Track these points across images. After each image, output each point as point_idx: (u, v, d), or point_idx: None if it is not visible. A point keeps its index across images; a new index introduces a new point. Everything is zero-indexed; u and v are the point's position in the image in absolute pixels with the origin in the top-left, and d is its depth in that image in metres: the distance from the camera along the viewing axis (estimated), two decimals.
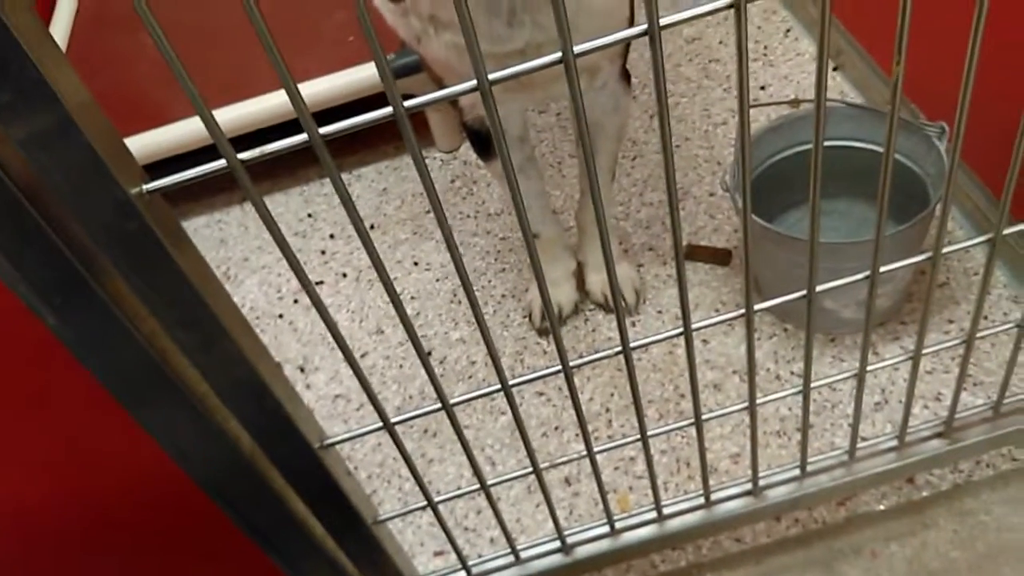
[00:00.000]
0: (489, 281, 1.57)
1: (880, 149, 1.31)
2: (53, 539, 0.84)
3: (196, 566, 0.93)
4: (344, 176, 1.83)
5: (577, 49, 0.54)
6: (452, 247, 0.64)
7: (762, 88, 1.75)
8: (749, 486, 1.05)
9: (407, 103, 0.54)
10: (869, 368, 0.91)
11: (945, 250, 0.82)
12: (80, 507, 0.80)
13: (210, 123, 0.50)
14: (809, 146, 1.34)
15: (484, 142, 1.27)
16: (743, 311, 0.79)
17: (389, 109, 0.54)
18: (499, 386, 0.79)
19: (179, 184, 0.55)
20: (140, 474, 0.77)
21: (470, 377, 1.44)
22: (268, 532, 0.85)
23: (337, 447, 0.83)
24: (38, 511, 0.80)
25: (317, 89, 1.62)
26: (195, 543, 0.89)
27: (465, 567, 1.04)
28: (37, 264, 0.55)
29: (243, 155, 0.54)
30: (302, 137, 0.54)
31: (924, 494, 1.14)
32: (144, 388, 0.67)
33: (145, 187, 0.54)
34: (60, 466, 0.76)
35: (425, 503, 0.91)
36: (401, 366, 1.48)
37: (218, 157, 0.55)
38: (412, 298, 1.57)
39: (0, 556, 0.84)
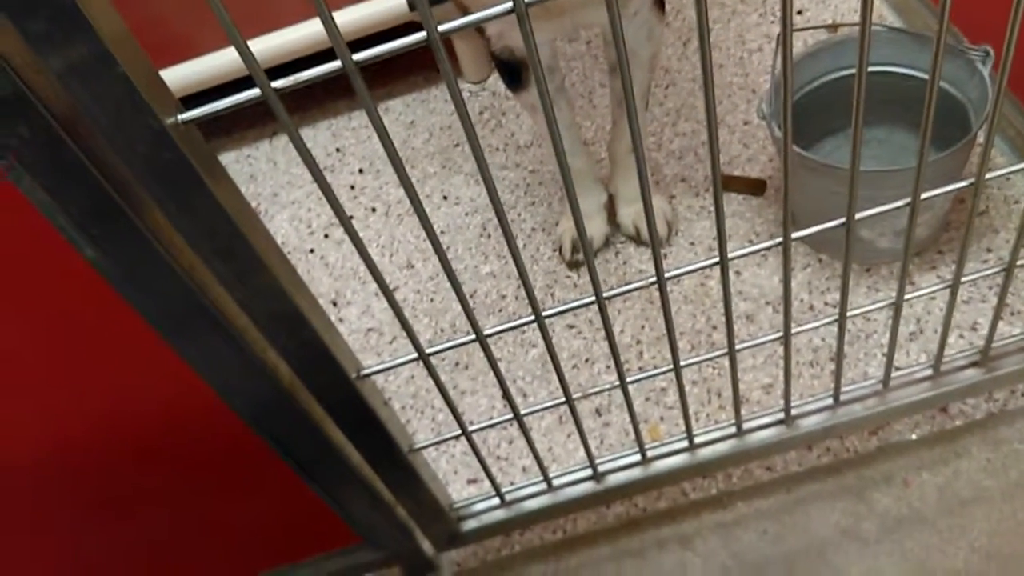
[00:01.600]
0: (519, 215, 1.56)
1: (921, 75, 1.28)
2: (98, 470, 0.86)
3: (237, 495, 0.96)
4: None
5: None
6: (487, 178, 0.64)
7: (799, 12, 1.70)
8: (781, 415, 1.05)
9: (441, 27, 0.53)
10: (906, 297, 0.90)
11: (988, 176, 0.80)
12: (124, 439, 0.82)
13: (244, 51, 0.50)
14: (848, 72, 1.32)
15: (513, 72, 1.25)
16: (779, 240, 0.78)
17: (423, 34, 0.53)
18: (532, 317, 0.79)
19: (214, 114, 0.55)
20: (182, 405, 0.79)
21: (500, 311, 1.44)
22: (308, 461, 0.87)
23: (372, 378, 0.84)
24: (83, 443, 0.82)
25: (345, 20, 1.60)
26: (236, 473, 0.92)
27: (499, 493, 1.06)
28: (75, 195, 0.56)
29: (277, 83, 0.54)
30: (336, 64, 0.53)
31: (957, 423, 1.13)
32: (183, 319, 0.68)
33: (180, 117, 0.54)
34: (103, 398, 0.78)
35: (459, 432, 0.93)
36: (432, 300, 1.49)
37: (249, 89, 0.55)
38: (442, 232, 1.57)
39: (47, 487, 0.87)
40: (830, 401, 1.05)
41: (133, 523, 0.96)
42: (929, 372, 1.05)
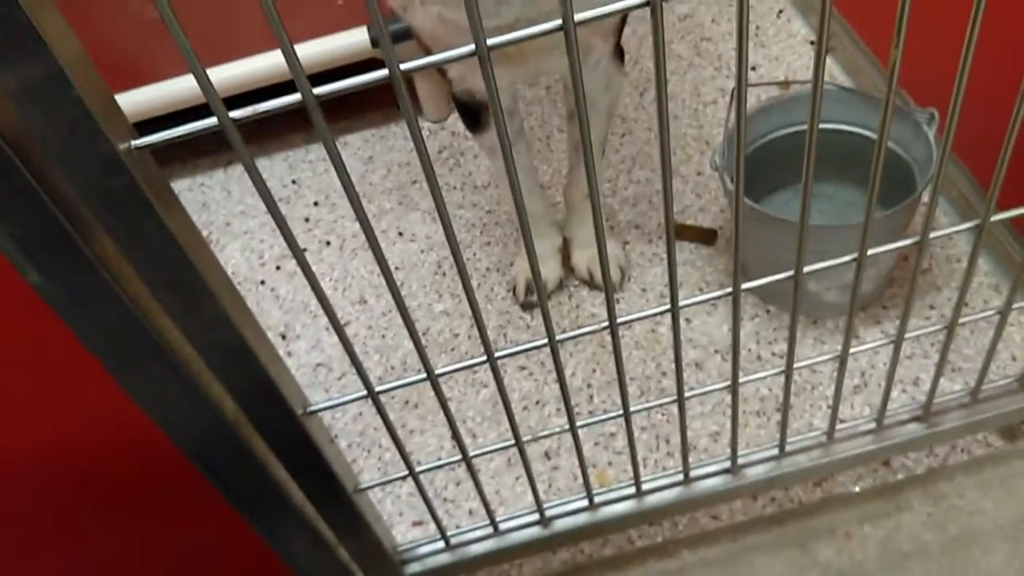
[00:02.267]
0: (475, 254, 1.57)
1: (869, 133, 1.32)
2: (35, 499, 0.83)
3: (176, 528, 0.93)
4: None
5: (578, 17, 0.53)
6: (444, 216, 0.64)
7: (753, 69, 1.75)
8: (728, 464, 1.06)
9: (403, 66, 0.53)
10: (851, 351, 0.92)
11: (932, 235, 0.82)
12: (62, 468, 0.79)
13: (203, 79, 0.50)
14: (798, 128, 1.35)
15: (473, 114, 1.26)
16: (729, 290, 0.79)
17: (385, 71, 0.53)
18: (484, 358, 0.79)
19: (169, 140, 0.54)
20: (123, 436, 0.77)
21: (452, 349, 1.43)
22: (249, 498, 0.85)
23: (319, 415, 0.82)
24: (19, 471, 0.79)
25: (306, 53, 1.60)
26: (176, 506, 0.89)
27: (444, 536, 1.05)
28: (21, 219, 0.54)
29: (235, 113, 0.53)
30: (296, 97, 0.53)
31: (899, 477, 1.15)
32: (127, 349, 0.66)
33: (134, 143, 0.53)
34: (41, 426, 0.75)
35: (406, 472, 0.91)
36: (383, 336, 1.48)
37: (206, 117, 0.54)
38: (396, 268, 1.57)
39: None
40: (776, 451, 1.06)
41: (70, 554, 0.93)
42: (872, 425, 1.06)
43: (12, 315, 0.64)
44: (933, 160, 1.20)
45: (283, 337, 1.51)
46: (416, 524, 1.24)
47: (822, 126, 1.31)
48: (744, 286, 0.79)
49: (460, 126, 1.78)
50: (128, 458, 0.80)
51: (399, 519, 1.25)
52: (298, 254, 0.64)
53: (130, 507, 0.88)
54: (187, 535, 0.94)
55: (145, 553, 0.96)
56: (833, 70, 1.70)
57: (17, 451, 0.77)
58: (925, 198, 1.27)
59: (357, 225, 1.67)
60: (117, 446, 0.78)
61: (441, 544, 1.06)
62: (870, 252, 0.80)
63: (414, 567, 1.07)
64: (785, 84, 1.64)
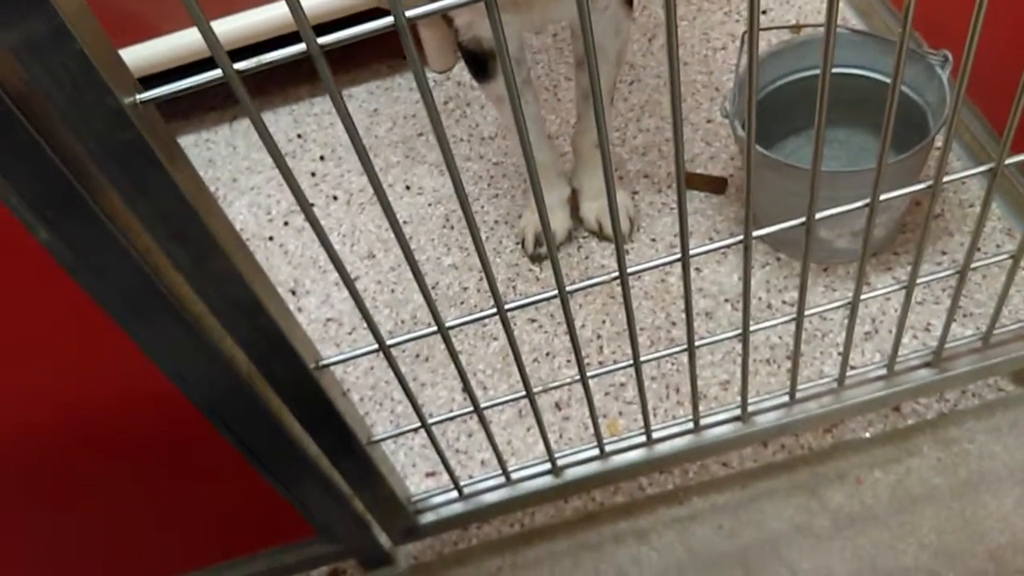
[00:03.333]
0: (482, 207, 1.56)
1: (882, 77, 1.30)
2: (49, 457, 0.84)
3: (192, 485, 0.94)
4: None
5: None
6: (452, 169, 0.63)
7: (763, 12, 1.72)
8: (738, 412, 1.06)
9: (409, 13, 0.52)
10: (862, 298, 0.92)
11: (945, 179, 0.81)
12: (76, 426, 0.80)
13: (207, 31, 0.49)
14: (809, 73, 1.33)
15: (480, 63, 1.25)
16: (740, 238, 0.79)
17: (390, 19, 0.52)
18: (494, 310, 0.79)
19: (174, 94, 0.54)
20: (137, 393, 0.77)
21: (462, 303, 1.43)
22: (264, 451, 0.86)
23: (331, 369, 0.83)
24: (34, 429, 0.80)
25: (310, 3, 1.57)
26: (191, 462, 0.90)
27: (457, 487, 1.06)
28: (29, 176, 0.54)
29: (239, 65, 0.52)
30: (300, 47, 0.52)
31: (910, 422, 1.15)
32: (138, 304, 0.66)
33: (139, 97, 0.53)
34: (55, 384, 0.76)
35: (419, 424, 0.92)
36: (393, 291, 1.48)
37: (211, 70, 0.54)
38: (404, 223, 1.56)
39: (2, 471, 0.85)
40: (786, 399, 1.07)
41: (84, 510, 0.94)
42: (883, 372, 1.06)
43: (23, 273, 0.64)
44: (947, 103, 1.18)
45: (293, 293, 1.51)
46: (429, 475, 1.25)
47: (834, 70, 1.29)
48: (756, 233, 0.78)
49: (466, 76, 1.76)
50: (143, 415, 0.80)
51: (412, 470, 1.26)
52: (307, 210, 0.64)
53: (146, 463, 0.89)
54: (203, 490, 0.96)
55: (161, 508, 0.98)
56: (845, 12, 1.67)
57: (32, 409, 0.78)
58: (938, 142, 1.25)
59: (364, 179, 1.66)
60: (132, 403, 0.79)
61: (454, 494, 1.07)
62: (883, 197, 0.79)
63: (428, 516, 1.08)
64: (797, 28, 1.61)
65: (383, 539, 1.11)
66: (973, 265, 0.92)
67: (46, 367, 0.75)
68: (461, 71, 1.79)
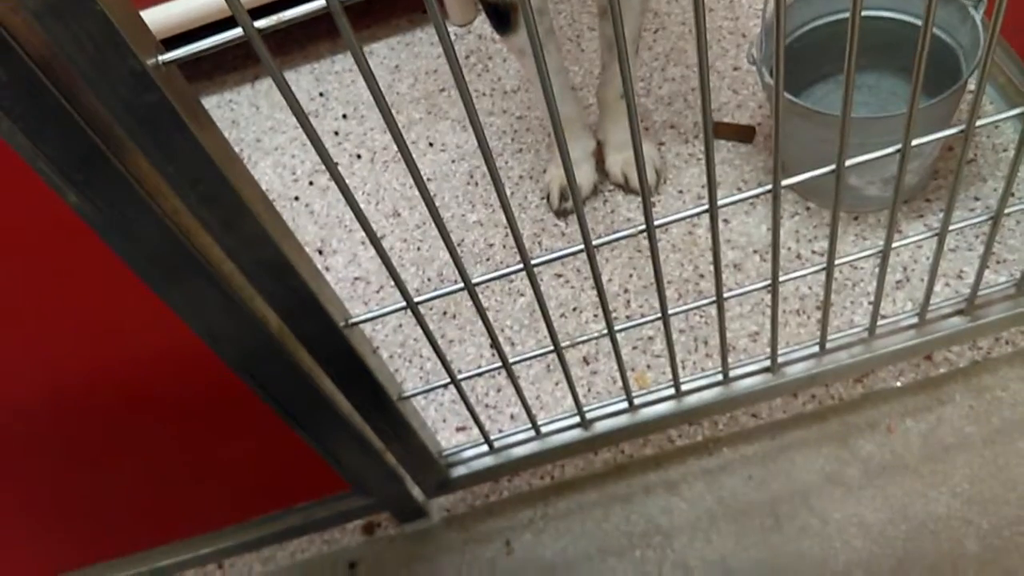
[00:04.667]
0: (506, 162, 1.55)
1: (912, 19, 1.27)
2: (86, 417, 0.86)
3: (228, 442, 0.96)
4: None
5: None
6: (476, 124, 0.63)
7: None
8: (767, 363, 1.06)
9: None
10: (894, 246, 0.90)
11: (978, 123, 0.80)
12: (112, 386, 0.82)
13: None
14: (838, 16, 1.30)
15: (502, 15, 1.23)
16: (769, 188, 0.78)
17: None
18: (521, 266, 0.79)
19: (196, 54, 0.53)
20: (172, 352, 0.78)
21: (487, 259, 1.43)
22: (297, 409, 0.87)
23: (360, 327, 0.83)
24: (71, 390, 0.82)
25: None
26: (227, 420, 0.91)
27: (487, 441, 1.07)
28: (57, 141, 0.54)
29: (259, 23, 0.52)
30: (320, 3, 0.52)
31: (942, 371, 1.14)
32: (168, 266, 0.67)
33: (161, 58, 0.53)
34: (90, 345, 0.77)
35: (448, 380, 0.93)
36: (419, 249, 1.48)
37: (231, 30, 0.53)
38: (428, 180, 1.56)
39: (35, 434, 0.87)
40: (816, 349, 1.06)
41: (123, 469, 0.96)
42: (915, 320, 1.05)
43: (54, 237, 0.65)
44: (980, 45, 1.15)
45: (320, 252, 1.52)
46: (460, 430, 1.26)
47: (863, 13, 1.26)
48: (785, 182, 0.77)
49: (487, 29, 1.74)
50: (178, 375, 0.82)
51: (443, 425, 1.27)
52: (332, 170, 0.64)
53: (183, 422, 0.91)
54: (239, 447, 0.97)
55: (199, 466, 0.99)
56: None
57: (67, 371, 0.79)
58: (971, 85, 1.22)
59: (387, 137, 1.65)
60: (167, 363, 0.80)
61: (485, 448, 1.08)
62: (914, 143, 0.77)
63: (460, 470, 1.10)
64: None
65: (416, 492, 1.13)
66: (1007, 211, 0.90)
67: (80, 329, 0.76)
68: (482, 24, 1.77)
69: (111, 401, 0.84)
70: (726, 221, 1.36)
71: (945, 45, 1.23)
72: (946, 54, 1.23)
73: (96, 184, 0.58)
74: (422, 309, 0.81)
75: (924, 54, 0.69)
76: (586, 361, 1.28)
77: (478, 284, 0.80)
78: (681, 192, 1.42)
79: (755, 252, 1.32)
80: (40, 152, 0.55)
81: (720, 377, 1.07)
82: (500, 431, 1.10)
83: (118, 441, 0.91)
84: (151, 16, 1.58)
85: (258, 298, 0.73)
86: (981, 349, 1.15)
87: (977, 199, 1.29)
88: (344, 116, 1.70)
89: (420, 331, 1.34)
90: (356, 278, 1.47)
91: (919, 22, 1.24)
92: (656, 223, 0.77)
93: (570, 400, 1.04)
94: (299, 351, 0.80)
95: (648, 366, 1.25)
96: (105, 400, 0.84)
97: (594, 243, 0.77)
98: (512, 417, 1.25)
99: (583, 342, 0.96)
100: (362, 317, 0.81)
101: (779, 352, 1.05)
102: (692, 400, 1.08)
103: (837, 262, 0.90)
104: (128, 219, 0.61)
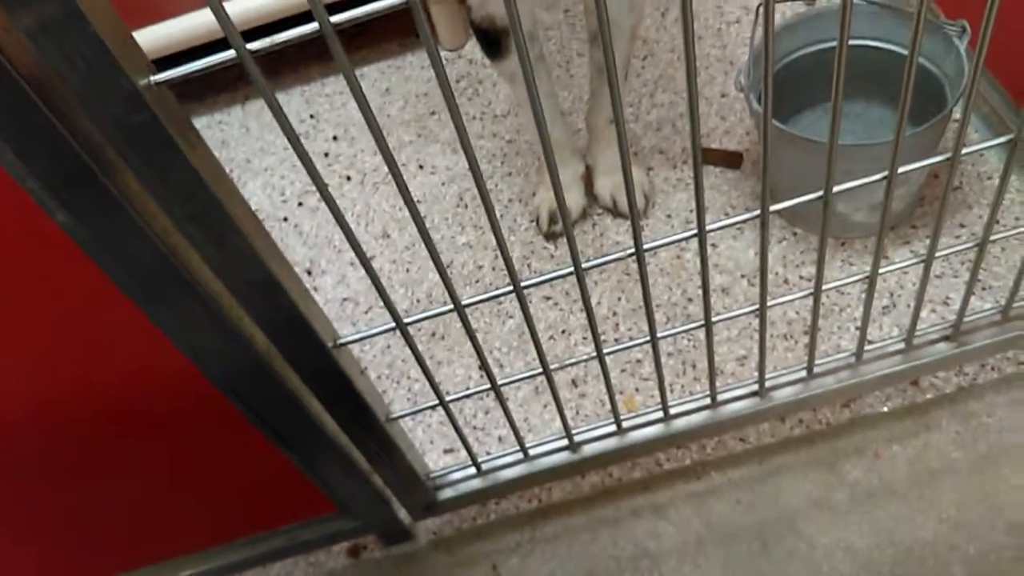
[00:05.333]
0: (496, 185, 1.55)
1: (898, 49, 1.28)
2: (71, 435, 0.85)
3: (213, 462, 0.95)
4: None
5: None
6: (467, 147, 0.63)
7: None
8: (755, 387, 1.06)
9: None
10: (880, 271, 0.91)
11: (964, 151, 0.81)
12: (98, 404, 0.81)
13: (219, 12, 0.49)
14: (825, 46, 1.31)
15: (493, 41, 1.24)
16: (757, 213, 0.78)
17: None
18: (510, 287, 0.79)
19: (188, 75, 0.54)
20: (158, 370, 0.78)
21: (477, 281, 1.44)
22: (284, 430, 0.87)
23: (349, 347, 0.83)
24: (56, 408, 0.81)
25: None
26: (212, 440, 0.91)
27: (475, 463, 1.06)
28: (46, 159, 0.54)
29: (252, 45, 0.52)
30: (313, 26, 0.52)
31: (928, 396, 1.15)
32: (156, 285, 0.67)
33: (153, 78, 0.53)
34: (76, 362, 0.77)
35: (436, 401, 0.93)
36: (408, 270, 1.48)
37: (223, 51, 0.54)
38: (418, 202, 1.55)
39: (20, 452, 0.86)
40: (803, 374, 1.06)
41: (104, 489, 0.96)
42: (901, 346, 1.06)
43: (43, 255, 0.65)
44: (964, 75, 1.17)
45: (309, 273, 1.52)
46: (447, 451, 1.26)
47: (850, 43, 1.28)
48: (773, 207, 0.78)
49: (478, 54, 1.75)
50: (165, 393, 0.81)
51: (430, 447, 1.27)
52: (323, 190, 0.64)
53: (168, 441, 0.90)
54: (225, 467, 0.97)
55: (184, 486, 0.99)
56: None
57: (54, 389, 0.79)
58: (956, 114, 1.24)
59: (377, 159, 1.66)
60: (153, 382, 0.79)
61: (472, 470, 1.08)
62: (901, 170, 0.78)
63: (447, 492, 1.09)
64: (811, 0, 1.59)
65: (403, 515, 1.12)
66: (992, 238, 0.91)
67: (67, 347, 0.75)
68: (473, 49, 1.78)
69: (94, 419, 0.84)
70: (714, 246, 1.36)
71: (930, 74, 1.25)
72: (931, 83, 1.25)
73: (85, 203, 0.58)
74: (411, 330, 0.81)
75: (910, 83, 0.70)
76: (575, 384, 1.28)
77: (467, 306, 0.80)
78: (669, 216, 1.43)
79: (743, 276, 1.33)
80: (30, 171, 0.55)
81: (708, 401, 1.07)
82: (488, 453, 1.10)
83: (100, 460, 0.90)
84: (143, 36, 1.58)
85: (246, 318, 0.73)
86: (967, 375, 1.16)
87: (963, 226, 1.31)
88: (335, 138, 1.70)
89: (409, 352, 1.33)
90: (345, 299, 1.47)
91: (905, 52, 1.26)
92: (645, 247, 0.78)
93: (558, 423, 1.04)
94: (287, 371, 0.79)
95: (636, 389, 1.25)
96: (88, 418, 0.83)
97: (583, 266, 0.78)
98: (500, 439, 1.25)
99: (572, 364, 0.96)
100: (351, 338, 0.81)
101: (767, 376, 1.05)
102: (680, 424, 1.08)
103: (824, 287, 0.91)
104: (116, 238, 0.61)
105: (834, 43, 0.65)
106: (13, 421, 0.81)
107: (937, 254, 0.91)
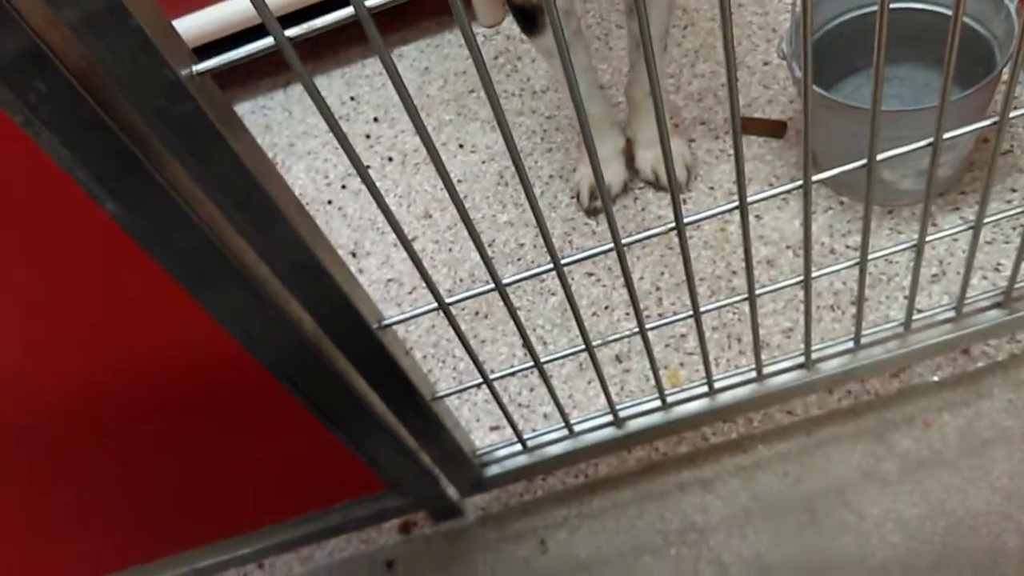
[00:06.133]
0: (536, 162, 1.55)
1: (944, 10, 1.25)
2: (125, 421, 0.88)
3: (265, 444, 0.97)
4: None
5: None
6: (504, 125, 0.63)
7: None
8: (802, 359, 1.05)
9: None
10: (928, 239, 0.90)
11: (1013, 115, 0.79)
12: (152, 390, 0.83)
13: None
14: (867, 10, 1.29)
15: (529, 17, 1.24)
16: (800, 183, 0.77)
17: None
18: (551, 265, 0.79)
19: (228, 64, 0.55)
20: (211, 355, 0.80)
21: (519, 259, 1.44)
22: (333, 410, 0.88)
23: (394, 328, 0.84)
24: (111, 395, 0.83)
25: None
26: (264, 422, 0.93)
27: (521, 440, 1.07)
28: (94, 150, 0.56)
29: (290, 31, 0.53)
30: (349, 11, 0.53)
31: (979, 365, 1.13)
32: (204, 271, 0.68)
33: (195, 68, 0.54)
34: (130, 349, 0.79)
35: (481, 380, 0.94)
36: (451, 250, 1.49)
37: (262, 38, 0.54)
38: (459, 181, 1.57)
39: (81, 435, 0.89)
40: (851, 344, 1.05)
41: (163, 472, 0.98)
42: (951, 314, 1.04)
43: (93, 244, 0.66)
44: (1014, 35, 1.13)
45: (353, 255, 1.53)
46: (493, 429, 1.27)
47: (894, 5, 1.25)
48: (816, 177, 0.77)
49: (515, 30, 1.75)
50: (216, 377, 0.83)
51: (476, 425, 1.28)
52: (363, 173, 0.65)
53: (221, 424, 0.92)
54: (276, 448, 0.99)
55: (237, 467, 1.01)
56: None
57: (106, 375, 0.81)
58: (1005, 76, 1.21)
59: (418, 140, 1.67)
60: (204, 365, 0.81)
61: (518, 447, 1.09)
62: (947, 135, 0.77)
63: (494, 469, 1.10)
64: None
65: (451, 491, 1.14)
66: None
67: (119, 334, 0.77)
68: (510, 25, 1.78)
69: (151, 405, 0.86)
70: (758, 217, 1.35)
71: (978, 36, 1.22)
72: (979, 45, 1.21)
73: (133, 192, 0.59)
74: (454, 310, 0.82)
75: (955, 45, 0.69)
76: (618, 359, 1.28)
77: (509, 284, 0.80)
78: (712, 188, 1.42)
79: (788, 248, 1.31)
80: (79, 162, 0.56)
81: (754, 374, 1.06)
82: (533, 430, 1.11)
83: (158, 444, 0.93)
84: (183, 25, 1.61)
85: (293, 301, 0.74)
86: (1020, 342, 1.14)
87: (1014, 190, 1.27)
88: (375, 119, 1.72)
89: (452, 332, 1.35)
90: (389, 280, 1.48)
91: (951, 12, 1.23)
92: (686, 220, 0.77)
93: (603, 399, 1.04)
94: (333, 353, 0.81)
95: (681, 364, 1.25)
96: (145, 404, 0.86)
97: (624, 241, 0.78)
98: (545, 416, 1.26)
99: (615, 340, 0.96)
100: (395, 319, 0.82)
101: (813, 348, 1.04)
102: (726, 397, 1.07)
103: (871, 256, 0.90)
104: (164, 225, 0.62)
105: (877, 7, 0.64)
106: (70, 408, 0.83)
107: (987, 219, 0.89)
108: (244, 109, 1.83)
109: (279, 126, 1.78)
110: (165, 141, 0.57)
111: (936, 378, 1.13)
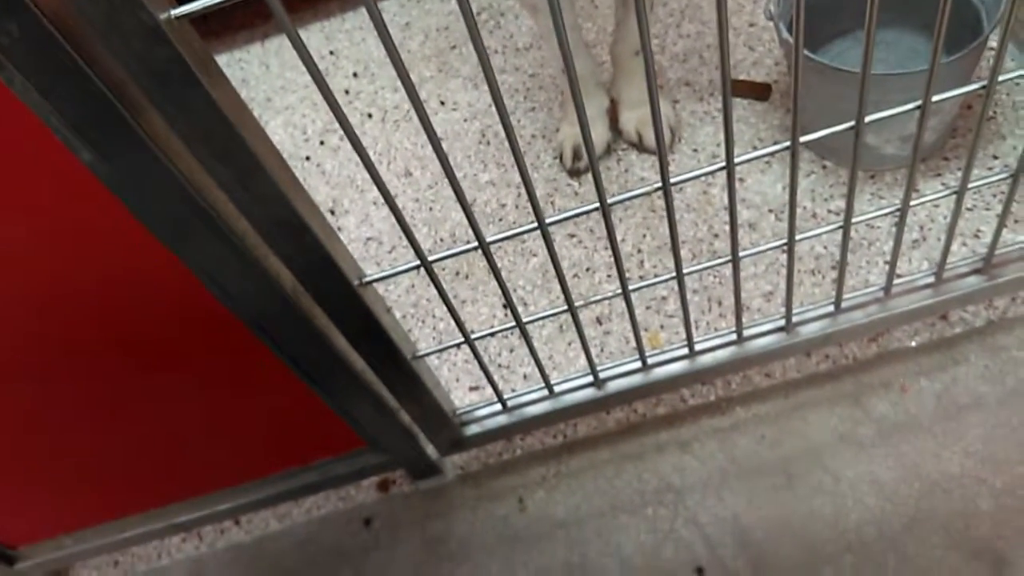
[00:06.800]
0: (519, 121, 1.54)
1: None
2: (102, 371, 0.87)
3: (245, 399, 0.97)
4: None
5: None
6: (492, 82, 0.62)
7: None
8: (782, 322, 1.06)
9: None
10: (911, 204, 0.90)
11: (1000, 79, 0.78)
12: (130, 343, 0.82)
13: None
14: None
15: None
16: (786, 145, 0.77)
17: None
18: (535, 225, 0.78)
19: (208, 8, 0.53)
20: (188, 310, 0.78)
21: (500, 220, 1.43)
22: (312, 367, 0.87)
23: (374, 286, 0.83)
24: (88, 345, 0.82)
25: None
26: (244, 377, 0.92)
27: (501, 399, 1.07)
28: (71, 98, 0.54)
29: None
30: None
31: (957, 330, 1.14)
32: (182, 224, 0.67)
33: (173, 12, 0.52)
34: (108, 301, 0.77)
35: (461, 339, 0.93)
36: (431, 209, 1.47)
37: None
38: (440, 139, 1.55)
39: (58, 390, 0.87)
40: (831, 308, 1.06)
41: (141, 427, 0.97)
42: (931, 279, 1.05)
43: (68, 194, 0.65)
44: (1002, 1, 1.13)
45: (332, 213, 1.51)
46: (473, 389, 1.27)
47: None
48: (802, 140, 0.76)
49: None
50: (194, 332, 0.82)
51: (456, 385, 1.28)
52: (348, 129, 0.63)
53: (200, 378, 0.91)
54: (256, 404, 0.98)
55: (217, 422, 1.00)
56: None
57: (84, 329, 0.80)
58: (992, 42, 1.20)
59: (398, 96, 1.64)
60: (183, 321, 0.80)
61: (498, 407, 1.09)
62: (934, 99, 0.76)
63: (473, 428, 1.10)
64: None
65: (430, 450, 1.14)
66: None
67: (96, 288, 0.76)
68: None
69: (129, 359, 0.85)
70: (741, 180, 1.34)
71: (967, 1, 1.21)
72: (967, 10, 1.21)
73: (110, 142, 0.58)
74: (435, 269, 0.81)
75: (947, 7, 0.68)
76: (599, 321, 1.28)
77: (492, 243, 0.79)
78: (696, 151, 1.41)
79: (770, 211, 1.31)
80: (53, 108, 0.54)
81: (734, 337, 1.06)
82: (513, 390, 1.11)
83: (136, 399, 0.92)
84: None
85: (272, 256, 0.73)
86: (997, 309, 1.15)
87: (996, 157, 1.28)
88: (354, 75, 1.69)
89: (433, 291, 1.34)
90: (368, 238, 1.47)
91: None
92: (672, 181, 0.76)
93: (583, 360, 1.04)
94: (314, 310, 0.80)
95: (661, 326, 1.25)
96: (123, 358, 0.85)
97: (609, 202, 0.77)
98: (525, 377, 1.26)
99: (596, 302, 0.96)
100: (376, 276, 0.81)
101: (793, 312, 1.04)
102: (705, 360, 1.08)
103: (853, 221, 0.90)
104: (142, 177, 0.61)
105: None
106: (45, 362, 0.82)
107: (969, 186, 0.89)
108: (220, 62, 1.77)
109: (256, 80, 1.75)
110: (143, 88, 0.55)
111: (914, 343, 1.14)
